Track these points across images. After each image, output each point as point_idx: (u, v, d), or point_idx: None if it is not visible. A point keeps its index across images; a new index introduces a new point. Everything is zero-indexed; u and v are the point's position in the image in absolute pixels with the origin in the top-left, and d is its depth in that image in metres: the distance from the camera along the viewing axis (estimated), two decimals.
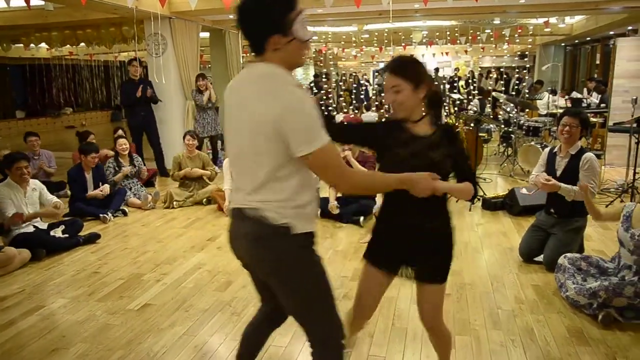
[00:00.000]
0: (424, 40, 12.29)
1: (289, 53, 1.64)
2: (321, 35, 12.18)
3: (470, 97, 11.91)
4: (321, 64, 16.21)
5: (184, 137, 6.26)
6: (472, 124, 7.69)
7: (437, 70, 15.84)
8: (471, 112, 9.62)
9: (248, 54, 14.43)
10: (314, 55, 15.07)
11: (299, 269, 1.75)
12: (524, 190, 4.33)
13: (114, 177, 6.07)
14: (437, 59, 17.45)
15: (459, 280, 3.75)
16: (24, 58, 14.10)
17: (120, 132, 6.95)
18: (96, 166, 5.80)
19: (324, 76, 13.36)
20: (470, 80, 13.40)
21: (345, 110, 11.01)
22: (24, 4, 5.71)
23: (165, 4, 7.28)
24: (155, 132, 7.67)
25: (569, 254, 3.47)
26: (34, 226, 4.62)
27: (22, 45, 10.97)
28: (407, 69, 1.97)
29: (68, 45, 10.87)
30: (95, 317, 3.28)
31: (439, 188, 1.89)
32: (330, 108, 12.07)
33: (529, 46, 16.10)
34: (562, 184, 3.67)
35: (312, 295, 1.79)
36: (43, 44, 10.83)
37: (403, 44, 12.49)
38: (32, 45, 10.70)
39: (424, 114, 2.03)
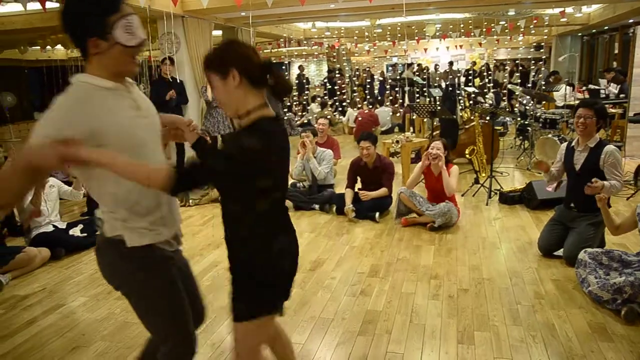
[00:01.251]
0: (438, 34, 12.17)
1: (111, 59, 1.57)
2: (334, 31, 12.14)
3: (485, 90, 11.79)
4: (334, 60, 16.16)
5: None
6: (487, 117, 7.61)
7: (451, 63, 15.69)
8: (486, 105, 9.52)
9: (262, 51, 14.46)
10: (327, 51, 15.03)
11: (131, 285, 1.76)
12: (549, 188, 4.27)
13: None
14: (451, 52, 17.30)
15: (477, 275, 3.72)
16: (41, 60, 14.26)
17: None
18: None
19: (337, 72, 13.33)
20: (485, 73, 13.25)
21: (360, 105, 10.96)
22: (40, 7, 5.77)
23: (178, 3, 7.30)
24: None
25: (589, 249, 3.41)
26: (54, 225, 4.67)
27: (39, 47, 11.09)
28: (212, 59, 1.68)
29: None
30: (114, 316, 3.30)
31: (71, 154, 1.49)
32: (344, 104, 12.05)
33: (545, 37, 15.86)
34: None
35: (147, 311, 1.80)
36: (59, 46, 10.94)
37: (416, 38, 12.38)
38: (48, 47, 10.81)
39: (249, 108, 1.66)
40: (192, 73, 8.13)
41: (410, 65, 15.60)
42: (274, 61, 15.71)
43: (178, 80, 7.59)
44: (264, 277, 1.71)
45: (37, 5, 5.87)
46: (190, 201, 6.03)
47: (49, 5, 5.84)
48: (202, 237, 4.89)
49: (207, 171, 1.57)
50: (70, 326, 3.18)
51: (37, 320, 3.29)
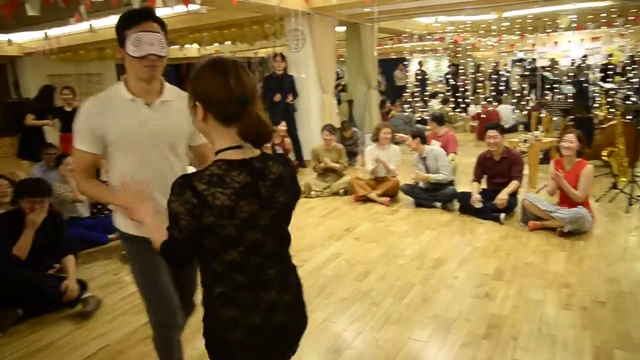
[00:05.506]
0: (573, 25, 11.26)
1: (127, 65, 1.90)
2: (458, 25, 11.74)
3: (627, 86, 10.72)
4: (458, 55, 15.62)
5: (322, 131, 6.47)
6: (631, 116, 6.93)
7: (585, 57, 14.46)
8: (630, 102, 8.67)
9: (382, 47, 14.43)
10: (450, 46, 14.60)
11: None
12: None
13: None
14: (585, 45, 15.92)
15: (616, 288, 3.42)
16: (179, 58, 15.54)
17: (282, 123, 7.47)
18: None
19: (460, 67, 12.91)
20: (629, 67, 12.04)
21: (483, 102, 10.53)
22: (184, 9, 6.30)
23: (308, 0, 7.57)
24: (293, 124, 7.99)
25: None
26: None
27: (178, 46, 12.07)
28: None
29: (215, 44, 11.73)
30: None
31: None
32: (467, 100, 11.65)
33: None
34: None
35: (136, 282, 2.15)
36: (194, 45, 11.81)
37: (548, 30, 11.56)
38: (186, 45, 11.73)
39: (217, 149, 1.49)
40: (316, 69, 8.36)
41: (521, 61, 14.63)
42: (394, 57, 15.61)
43: (293, 75, 7.93)
44: (211, 343, 1.52)
45: (182, 8, 6.40)
46: (312, 193, 6.23)
47: (191, 7, 6.35)
48: (324, 228, 5.04)
49: (171, 241, 1.42)
50: None
51: None
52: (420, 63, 16.05)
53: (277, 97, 7.64)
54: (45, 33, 8.97)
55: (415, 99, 10.80)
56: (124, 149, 1.95)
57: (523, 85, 12.04)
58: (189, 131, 2.06)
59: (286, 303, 1.52)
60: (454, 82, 13.22)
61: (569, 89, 9.64)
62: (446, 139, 6.51)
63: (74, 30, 7.76)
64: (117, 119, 1.91)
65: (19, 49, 11.28)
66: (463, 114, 11.36)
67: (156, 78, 1.95)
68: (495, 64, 15.89)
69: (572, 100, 8.49)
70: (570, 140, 4.61)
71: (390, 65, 15.62)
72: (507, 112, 10.85)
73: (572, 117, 7.26)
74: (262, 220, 1.43)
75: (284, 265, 1.55)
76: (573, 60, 14.61)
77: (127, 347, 2.97)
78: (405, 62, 14.32)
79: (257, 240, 1.43)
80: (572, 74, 12.59)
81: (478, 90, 12.33)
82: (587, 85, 10.98)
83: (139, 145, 1.94)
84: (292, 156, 7.91)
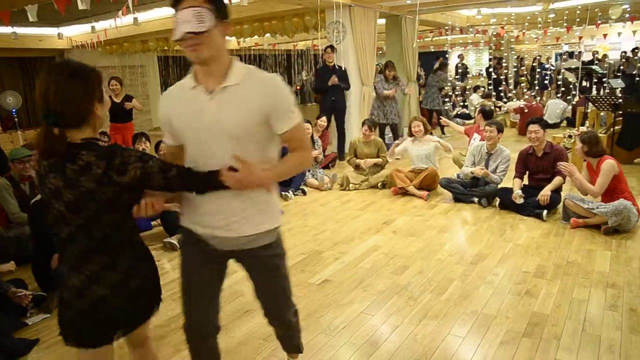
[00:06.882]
0: (626, 16, 10.78)
1: None
2: (501, 18, 11.46)
3: None
4: (501, 48, 15.26)
5: (362, 125, 6.42)
6: None
7: (636, 49, 13.86)
8: None
9: (423, 40, 14.22)
10: (493, 39, 14.25)
11: None
12: None
13: None
14: (637, 38, 15.24)
15: None
16: None
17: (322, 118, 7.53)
18: None
19: (503, 60, 12.62)
20: None
21: (527, 96, 10.24)
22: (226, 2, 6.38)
23: None
24: (342, 117, 7.97)
25: None
26: None
27: None
28: None
29: (255, 37, 11.81)
30: None
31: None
32: (509, 95, 11.37)
33: None
34: None
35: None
36: (233, 37, 11.94)
37: (599, 21, 11.12)
38: (225, 38, 11.85)
39: None
40: (356, 61, 8.32)
41: (572, 54, 14.15)
42: (432, 50, 15.37)
43: (343, 68, 7.87)
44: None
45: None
46: (350, 185, 6.23)
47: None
48: (362, 221, 5.03)
49: None
50: (242, 292, 3.47)
51: None
52: (460, 56, 15.77)
53: (332, 79, 7.60)
54: (93, 26, 9.22)
55: (455, 93, 10.59)
56: (189, 141, 1.79)
57: (570, 79, 11.66)
58: (259, 119, 1.72)
59: (110, 282, 1.68)
60: (496, 76, 12.93)
61: (618, 83, 9.30)
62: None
63: (119, 23, 7.95)
64: (179, 109, 1.78)
65: (68, 42, 11.66)
66: (505, 107, 11.09)
67: (205, 59, 1.67)
68: (538, 57, 15.44)
69: (621, 95, 8.18)
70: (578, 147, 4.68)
71: (429, 58, 15.38)
72: (554, 108, 10.53)
73: (622, 112, 7.00)
74: (65, 197, 1.61)
75: (103, 249, 1.68)
76: (624, 52, 14.05)
77: (167, 332, 3.05)
78: (446, 55, 14.08)
79: (62, 213, 1.64)
80: (622, 67, 12.13)
81: (521, 84, 12.03)
82: (639, 79, 10.57)
83: (200, 138, 1.74)
84: (330, 149, 7.93)
